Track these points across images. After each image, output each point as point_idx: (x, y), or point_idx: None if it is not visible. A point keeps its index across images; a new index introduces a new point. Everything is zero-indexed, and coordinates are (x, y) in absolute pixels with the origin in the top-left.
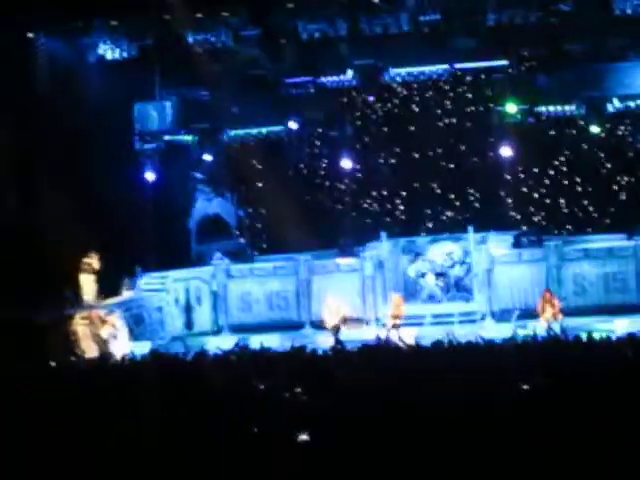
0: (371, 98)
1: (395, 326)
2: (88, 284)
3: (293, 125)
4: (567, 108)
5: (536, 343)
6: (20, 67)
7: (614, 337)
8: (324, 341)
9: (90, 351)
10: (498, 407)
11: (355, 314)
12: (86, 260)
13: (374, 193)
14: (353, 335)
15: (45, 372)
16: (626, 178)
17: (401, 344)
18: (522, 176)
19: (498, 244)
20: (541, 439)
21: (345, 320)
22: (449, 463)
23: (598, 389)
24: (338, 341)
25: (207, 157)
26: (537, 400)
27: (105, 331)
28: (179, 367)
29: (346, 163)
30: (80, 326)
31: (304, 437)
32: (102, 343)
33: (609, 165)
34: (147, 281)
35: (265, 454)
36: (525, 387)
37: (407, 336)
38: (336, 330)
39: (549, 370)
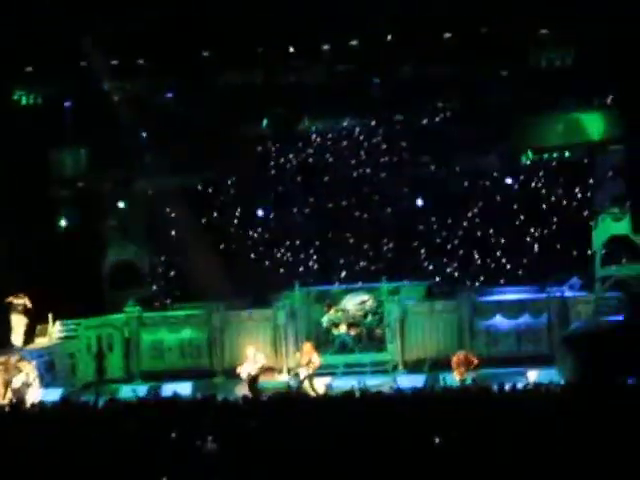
0: (285, 148)
1: (308, 375)
2: (19, 324)
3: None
4: (481, 159)
5: (448, 394)
6: None
7: (525, 387)
8: (238, 390)
9: (1, 397)
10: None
11: (268, 363)
12: (16, 300)
13: (288, 242)
14: (266, 384)
15: None
16: (539, 230)
17: (312, 393)
18: (435, 227)
19: (411, 295)
20: None
21: (263, 370)
22: None
23: (509, 439)
24: (256, 390)
25: (121, 204)
26: (447, 452)
27: (18, 378)
28: (89, 415)
29: (260, 212)
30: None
31: None
32: (15, 390)
33: (522, 217)
34: (59, 328)
35: None
36: (436, 440)
37: (318, 385)
38: (253, 380)
39: (460, 422)
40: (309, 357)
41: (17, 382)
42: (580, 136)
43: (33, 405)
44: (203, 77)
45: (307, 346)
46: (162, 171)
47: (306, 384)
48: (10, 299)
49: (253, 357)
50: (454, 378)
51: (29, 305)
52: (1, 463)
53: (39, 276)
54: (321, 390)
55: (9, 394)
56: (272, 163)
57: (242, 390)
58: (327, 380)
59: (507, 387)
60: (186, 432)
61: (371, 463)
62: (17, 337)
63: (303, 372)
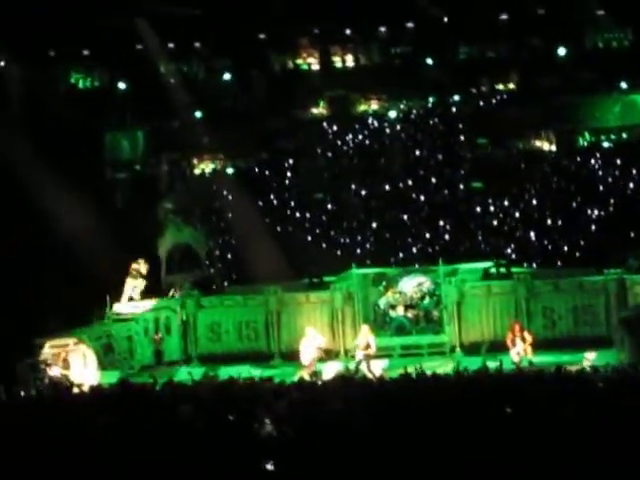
0: (342, 130)
1: (366, 357)
2: (133, 289)
3: None
4: (539, 141)
5: (504, 375)
6: None
7: (585, 369)
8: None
9: (60, 379)
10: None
11: (326, 346)
12: (134, 265)
13: (345, 224)
14: (325, 367)
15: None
16: (596, 212)
17: (370, 375)
18: (492, 209)
19: (468, 276)
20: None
21: (324, 352)
22: None
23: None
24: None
25: (177, 187)
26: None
27: (74, 360)
28: (147, 397)
29: (317, 194)
30: (50, 354)
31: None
32: (69, 371)
33: (579, 198)
34: (117, 310)
35: None
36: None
37: (375, 368)
38: (313, 367)
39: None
40: (366, 340)
41: (73, 362)
42: (638, 117)
43: (91, 387)
44: (259, 59)
45: (365, 329)
46: (218, 153)
47: (363, 367)
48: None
49: (312, 337)
50: (511, 359)
51: (143, 271)
52: (61, 444)
53: (98, 260)
54: (377, 373)
55: (64, 374)
56: (329, 145)
57: (301, 373)
58: (384, 363)
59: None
60: (244, 415)
61: (431, 446)
62: (124, 299)
63: (360, 355)
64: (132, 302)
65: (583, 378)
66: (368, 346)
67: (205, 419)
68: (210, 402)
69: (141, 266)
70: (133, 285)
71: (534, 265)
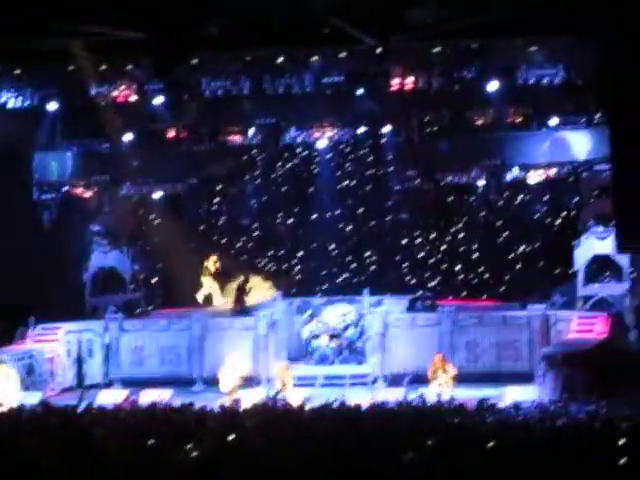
0: (272, 157)
1: (284, 386)
2: (211, 286)
3: None
4: (467, 175)
5: (425, 408)
6: None
7: (502, 405)
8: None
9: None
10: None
11: (248, 373)
12: (205, 263)
13: (271, 252)
14: (245, 395)
15: None
16: (522, 247)
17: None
18: (419, 241)
19: (393, 308)
20: None
21: (246, 379)
22: None
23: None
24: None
25: (105, 210)
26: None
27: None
28: (68, 420)
29: (245, 221)
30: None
31: None
32: None
33: (506, 233)
34: (40, 332)
35: None
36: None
37: (294, 398)
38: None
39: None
40: (283, 379)
41: None
42: (566, 154)
43: (12, 408)
44: (191, 84)
45: (281, 367)
46: (147, 177)
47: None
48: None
49: (234, 364)
50: (433, 391)
51: (216, 268)
52: None
53: (21, 279)
54: (296, 402)
55: None
56: (257, 172)
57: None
58: (303, 392)
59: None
60: (164, 441)
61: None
62: (218, 297)
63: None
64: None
65: (504, 413)
66: (284, 384)
67: (121, 443)
68: (129, 426)
69: (213, 264)
70: (209, 284)
71: (459, 298)
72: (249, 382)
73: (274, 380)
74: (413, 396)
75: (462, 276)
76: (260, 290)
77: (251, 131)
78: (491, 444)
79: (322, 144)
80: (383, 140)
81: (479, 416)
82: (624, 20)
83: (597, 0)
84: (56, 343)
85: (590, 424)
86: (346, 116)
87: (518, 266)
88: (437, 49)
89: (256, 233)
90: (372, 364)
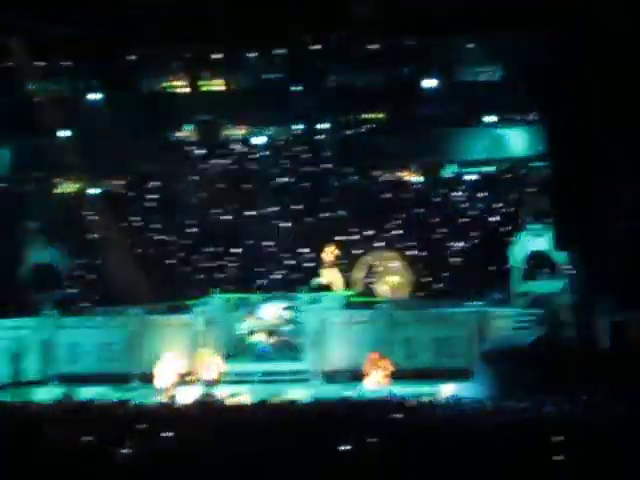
0: (209, 154)
1: (211, 383)
2: (333, 277)
3: None
4: (404, 172)
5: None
6: None
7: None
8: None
9: None
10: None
11: (186, 370)
12: (323, 255)
13: (208, 248)
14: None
15: None
16: (460, 244)
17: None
18: (357, 238)
19: (330, 305)
20: None
21: (180, 377)
22: None
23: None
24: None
25: (42, 206)
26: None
27: None
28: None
29: (182, 218)
30: None
31: None
32: None
33: (444, 230)
34: None
35: None
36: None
37: (228, 394)
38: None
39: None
40: (209, 367)
41: None
42: (503, 151)
43: None
44: (129, 81)
45: (205, 355)
46: (84, 174)
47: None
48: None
49: (171, 361)
50: (370, 388)
51: (332, 258)
52: None
53: None
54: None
55: None
56: (195, 169)
57: (161, 397)
58: (242, 389)
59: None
60: (100, 437)
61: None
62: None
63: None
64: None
65: (441, 409)
66: (216, 371)
67: (58, 440)
68: (67, 423)
69: (330, 253)
70: (328, 275)
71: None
72: (186, 379)
73: (211, 376)
74: (350, 392)
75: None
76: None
77: (189, 128)
78: (429, 440)
79: (260, 141)
80: (321, 137)
81: (417, 412)
82: (558, 18)
83: None
84: None
85: (527, 421)
86: (284, 113)
87: (455, 263)
88: (375, 46)
89: (193, 230)
90: (309, 361)
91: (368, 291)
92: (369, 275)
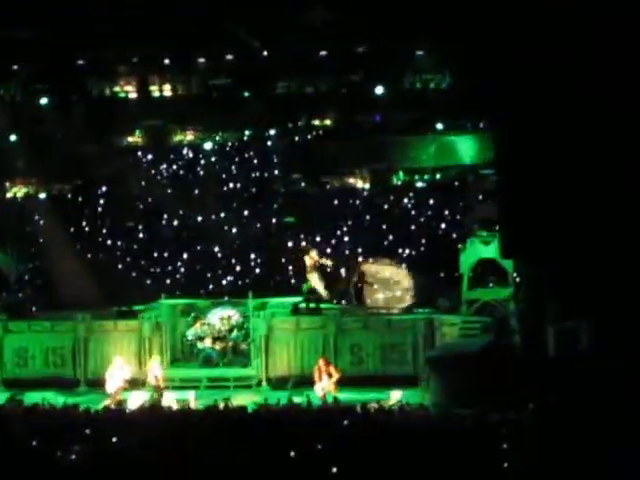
0: (157, 159)
1: (157, 388)
2: (316, 281)
3: None
4: (353, 178)
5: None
6: None
7: (387, 408)
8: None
9: None
10: None
11: (133, 375)
12: (306, 259)
13: (155, 254)
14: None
15: None
16: (408, 250)
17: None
18: (304, 244)
19: (277, 311)
20: None
21: (130, 381)
22: None
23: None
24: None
25: None
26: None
27: None
28: None
29: (130, 223)
30: None
31: None
32: None
33: (391, 237)
34: None
35: None
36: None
37: (173, 400)
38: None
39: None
40: (155, 373)
41: None
42: (452, 159)
43: None
44: (78, 85)
45: (153, 361)
46: (32, 178)
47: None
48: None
49: (119, 366)
50: (317, 395)
51: (315, 262)
52: None
53: None
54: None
55: None
56: (143, 174)
57: (106, 401)
58: (188, 395)
59: (368, 406)
60: (48, 442)
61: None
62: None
63: (156, 385)
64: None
65: (388, 415)
66: (157, 379)
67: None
68: (14, 427)
69: (311, 259)
70: (312, 279)
71: (344, 302)
72: (133, 384)
73: (157, 382)
74: (297, 399)
75: (347, 280)
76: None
77: (137, 133)
78: (375, 446)
79: (208, 146)
80: (269, 143)
81: (364, 419)
82: (507, 25)
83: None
84: None
85: (473, 427)
86: (232, 118)
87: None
88: (324, 52)
89: (141, 235)
90: (256, 367)
91: (355, 297)
92: (360, 281)
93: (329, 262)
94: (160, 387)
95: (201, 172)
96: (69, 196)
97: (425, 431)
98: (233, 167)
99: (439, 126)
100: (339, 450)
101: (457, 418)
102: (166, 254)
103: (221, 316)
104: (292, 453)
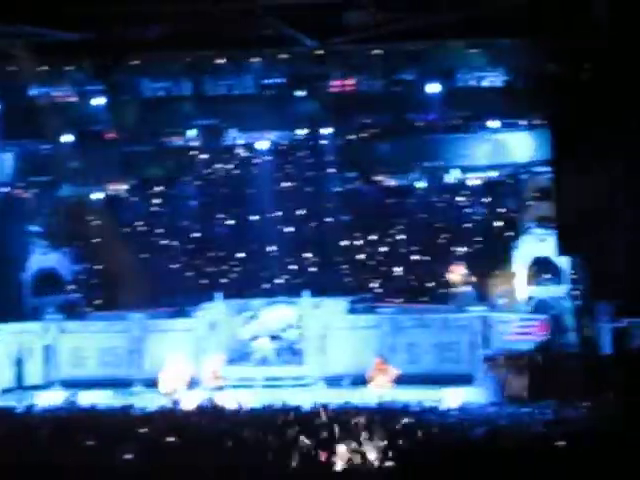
0: (212, 159)
1: (218, 387)
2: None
3: None
4: (407, 177)
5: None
6: None
7: (443, 407)
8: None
9: None
10: None
11: (189, 375)
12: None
13: (211, 253)
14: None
15: None
16: (463, 249)
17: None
18: (359, 243)
19: (332, 310)
20: None
21: (183, 381)
22: None
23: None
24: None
25: (44, 211)
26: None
27: None
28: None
29: (184, 222)
30: None
31: None
32: None
33: (447, 235)
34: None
35: None
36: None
37: (230, 399)
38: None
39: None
40: (214, 370)
41: None
42: (506, 157)
43: None
44: (130, 86)
45: (214, 359)
46: (87, 178)
47: (216, 397)
48: None
49: (174, 365)
50: (372, 393)
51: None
52: None
53: None
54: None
55: None
56: (197, 174)
57: (162, 401)
58: (244, 394)
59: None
60: (104, 442)
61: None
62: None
63: (213, 385)
64: None
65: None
66: (217, 376)
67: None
68: (71, 428)
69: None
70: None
71: (399, 300)
72: (188, 383)
73: (212, 381)
74: (353, 398)
75: (403, 278)
76: None
77: (191, 133)
78: (434, 445)
79: (262, 146)
80: (323, 142)
81: (421, 418)
82: (565, 24)
83: (537, 4)
84: None
85: (529, 426)
86: (286, 118)
87: (459, 269)
88: (377, 51)
89: (196, 235)
90: (312, 366)
91: None
92: None
93: (473, 278)
94: (217, 386)
95: (255, 171)
96: (123, 196)
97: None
98: (287, 166)
99: (493, 124)
100: (401, 449)
101: (514, 417)
102: (221, 253)
103: (276, 315)
104: (348, 452)
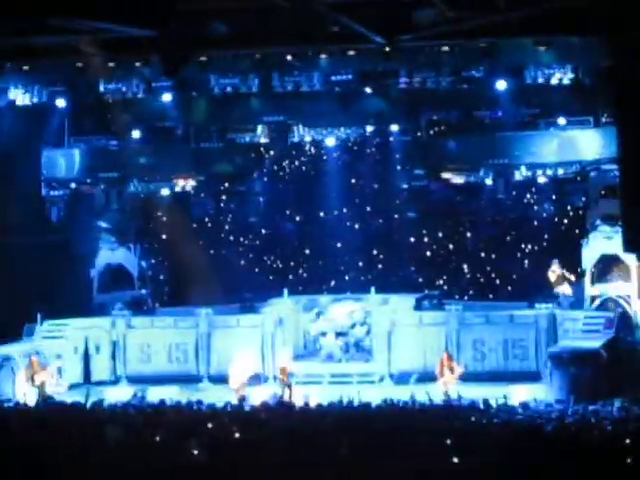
0: (280, 155)
1: (287, 384)
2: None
3: None
4: (474, 174)
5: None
6: None
7: (510, 404)
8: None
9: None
10: None
11: (256, 370)
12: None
13: (278, 250)
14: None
15: None
16: (530, 246)
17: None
18: (426, 240)
19: (400, 306)
20: None
21: (250, 377)
22: None
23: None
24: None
25: (113, 207)
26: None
27: (40, 378)
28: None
29: (252, 219)
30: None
31: None
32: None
33: (514, 232)
34: (47, 328)
35: None
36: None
37: (298, 395)
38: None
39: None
40: (285, 366)
41: (38, 380)
42: (574, 154)
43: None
44: (199, 82)
45: (283, 354)
46: (155, 174)
47: (287, 393)
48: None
49: (242, 361)
50: (439, 390)
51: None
52: None
53: (29, 276)
54: (299, 400)
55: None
56: (265, 170)
57: (229, 397)
58: (304, 390)
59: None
60: (172, 437)
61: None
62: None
63: (283, 381)
64: None
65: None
66: (286, 372)
67: (129, 439)
68: (136, 423)
69: (554, 269)
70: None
71: (466, 297)
72: (256, 379)
73: (280, 378)
74: (420, 394)
75: (469, 275)
76: None
77: (259, 129)
78: (500, 443)
79: (330, 142)
80: (391, 139)
81: (488, 415)
82: (631, 21)
83: (604, 1)
84: (63, 340)
85: (597, 423)
86: (354, 114)
87: (525, 265)
88: (445, 48)
89: (263, 231)
90: (379, 362)
91: None
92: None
93: (572, 277)
94: (288, 382)
95: (323, 168)
96: (192, 192)
97: (551, 427)
98: (355, 163)
99: (561, 121)
100: (467, 446)
101: (582, 415)
102: (288, 250)
103: (343, 312)
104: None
